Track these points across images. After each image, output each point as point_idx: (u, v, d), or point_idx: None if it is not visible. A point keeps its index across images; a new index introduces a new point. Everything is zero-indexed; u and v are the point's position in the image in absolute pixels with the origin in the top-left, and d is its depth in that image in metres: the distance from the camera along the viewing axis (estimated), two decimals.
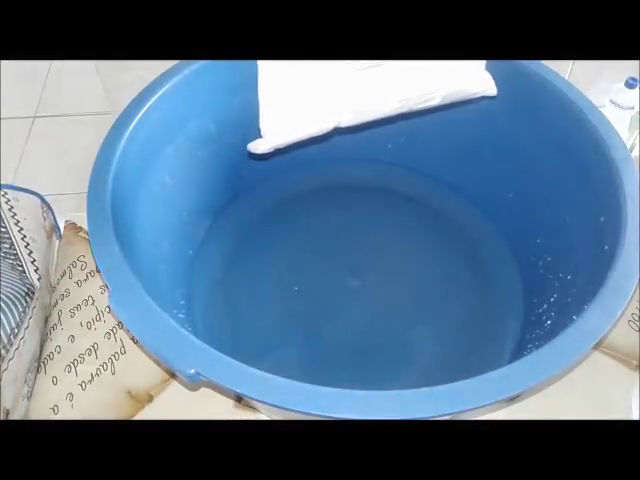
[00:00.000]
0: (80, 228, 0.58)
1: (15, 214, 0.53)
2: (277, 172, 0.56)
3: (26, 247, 0.52)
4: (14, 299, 0.47)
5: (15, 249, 0.52)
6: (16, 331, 0.46)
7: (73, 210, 0.60)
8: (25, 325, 0.48)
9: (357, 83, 0.39)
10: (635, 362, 0.49)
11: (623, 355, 0.49)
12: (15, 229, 0.53)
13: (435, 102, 0.41)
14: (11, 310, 0.47)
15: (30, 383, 0.48)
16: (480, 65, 0.42)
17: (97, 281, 0.55)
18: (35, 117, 1.33)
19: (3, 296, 0.46)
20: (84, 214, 0.40)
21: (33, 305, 0.50)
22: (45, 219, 0.56)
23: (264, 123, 0.42)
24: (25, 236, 0.53)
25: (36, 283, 0.51)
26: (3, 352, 0.45)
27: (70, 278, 0.55)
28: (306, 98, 0.40)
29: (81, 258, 0.56)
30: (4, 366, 0.44)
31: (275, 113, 0.41)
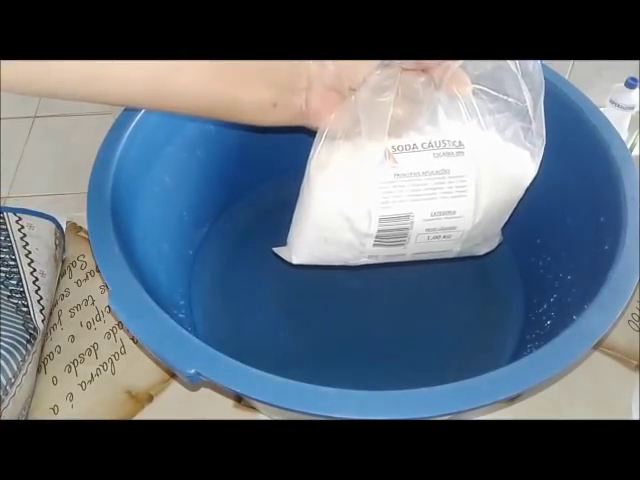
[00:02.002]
0: (80, 228, 0.58)
1: (27, 243, 0.52)
2: (277, 172, 0.56)
3: (34, 283, 0.50)
4: (13, 349, 0.45)
5: (22, 286, 0.50)
6: (13, 380, 0.44)
7: (73, 210, 0.60)
8: (24, 372, 0.46)
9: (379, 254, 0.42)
10: (635, 362, 0.49)
11: (623, 355, 0.49)
12: (25, 262, 0.51)
13: (450, 255, 0.44)
14: (8, 362, 0.44)
15: (22, 419, 0.46)
16: (499, 233, 0.45)
17: (97, 281, 0.55)
18: (35, 117, 1.34)
19: (2, 349, 0.44)
20: (84, 214, 0.40)
21: (34, 350, 0.48)
22: (57, 247, 0.55)
23: (292, 248, 0.44)
24: (35, 270, 0.51)
25: (40, 326, 0.49)
26: None
27: (70, 278, 0.55)
28: (333, 248, 0.42)
29: (81, 258, 0.56)
30: None
31: (302, 246, 0.43)
